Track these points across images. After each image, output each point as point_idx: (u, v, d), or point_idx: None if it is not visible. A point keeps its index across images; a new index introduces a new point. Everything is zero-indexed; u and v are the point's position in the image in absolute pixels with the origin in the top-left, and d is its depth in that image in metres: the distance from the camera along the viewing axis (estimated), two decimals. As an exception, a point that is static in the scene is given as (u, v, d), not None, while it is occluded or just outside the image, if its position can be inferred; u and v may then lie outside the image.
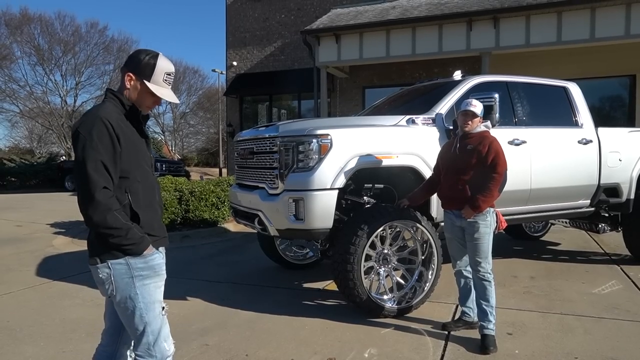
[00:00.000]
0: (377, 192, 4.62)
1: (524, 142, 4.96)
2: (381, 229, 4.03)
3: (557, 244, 7.41)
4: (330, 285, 5.12)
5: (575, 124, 5.49)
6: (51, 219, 10.27)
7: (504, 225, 3.65)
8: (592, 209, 5.63)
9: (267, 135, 4.36)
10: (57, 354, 3.52)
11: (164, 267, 2.13)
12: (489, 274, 3.55)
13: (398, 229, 4.20)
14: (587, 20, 10.97)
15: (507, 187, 3.95)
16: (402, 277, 4.31)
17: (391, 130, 4.37)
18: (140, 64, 2.02)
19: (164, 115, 43.18)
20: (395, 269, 4.29)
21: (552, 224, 7.72)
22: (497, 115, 4.17)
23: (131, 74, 2.03)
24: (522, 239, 7.71)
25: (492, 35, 11.69)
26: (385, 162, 4.18)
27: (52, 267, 6.19)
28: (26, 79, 32.74)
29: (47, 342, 3.73)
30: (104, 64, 34.54)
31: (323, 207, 3.96)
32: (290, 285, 5.26)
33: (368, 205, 4.40)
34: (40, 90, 32.86)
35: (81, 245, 7.74)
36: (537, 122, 5.20)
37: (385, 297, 4.17)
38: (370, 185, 4.55)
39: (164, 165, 19.27)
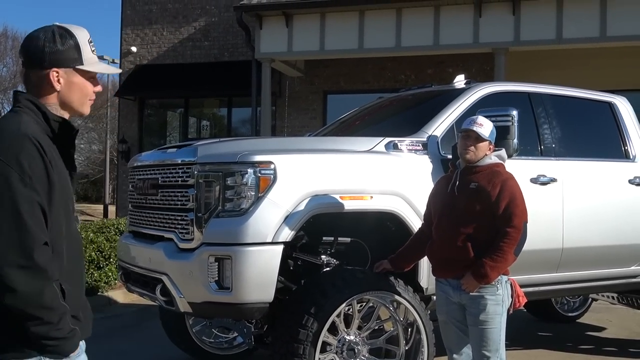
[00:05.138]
0: (342, 250, 4.65)
1: (553, 179, 5.11)
2: (346, 304, 4.04)
3: (601, 329, 7.59)
4: (269, 388, 5.06)
5: (624, 155, 5.72)
6: None
7: (523, 301, 3.73)
8: (651, 278, 5.82)
9: (179, 161, 4.33)
10: None
11: None
12: (502, 373, 3.61)
13: (371, 305, 4.23)
14: (643, 9, 11.45)
15: (528, 245, 4.05)
16: (376, 376, 4.32)
17: (364, 158, 4.44)
18: (59, 51, 2.04)
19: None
20: (366, 365, 4.29)
21: (594, 299, 7.92)
22: (516, 140, 4.31)
23: (57, 70, 2.04)
24: (551, 321, 7.84)
25: (511, 25, 12.08)
26: (354, 205, 4.22)
27: None
28: None
29: None
30: None
31: (260, 271, 3.95)
32: (207, 388, 5.17)
33: (327, 269, 4.42)
34: None
35: None
36: (571, 152, 5.40)
37: (350, 407, 4.16)
38: (332, 239, 4.57)
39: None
